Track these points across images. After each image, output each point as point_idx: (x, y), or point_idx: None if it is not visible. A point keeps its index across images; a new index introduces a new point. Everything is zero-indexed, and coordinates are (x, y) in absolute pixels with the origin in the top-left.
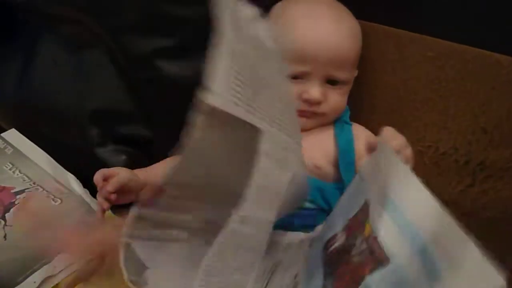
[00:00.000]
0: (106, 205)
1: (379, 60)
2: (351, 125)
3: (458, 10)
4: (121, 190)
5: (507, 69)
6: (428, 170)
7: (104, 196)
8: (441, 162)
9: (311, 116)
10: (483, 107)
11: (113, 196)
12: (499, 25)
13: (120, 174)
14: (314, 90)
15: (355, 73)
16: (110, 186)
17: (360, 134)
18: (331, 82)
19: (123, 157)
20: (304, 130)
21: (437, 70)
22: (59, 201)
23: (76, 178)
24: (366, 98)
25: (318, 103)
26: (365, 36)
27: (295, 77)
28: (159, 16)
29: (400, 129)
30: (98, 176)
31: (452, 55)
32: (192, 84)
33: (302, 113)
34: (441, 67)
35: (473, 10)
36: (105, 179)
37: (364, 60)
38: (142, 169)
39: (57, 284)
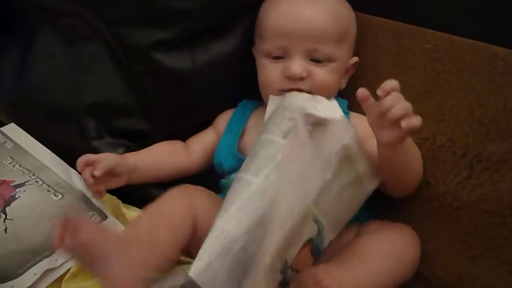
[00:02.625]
0: (101, 188)
1: (376, 53)
2: (348, 113)
3: (456, 2)
4: (109, 174)
5: (504, 61)
6: (425, 162)
7: (89, 181)
8: (438, 154)
9: None
10: (480, 99)
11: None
12: (497, 17)
13: (107, 159)
14: (294, 65)
15: (351, 57)
16: (97, 171)
17: (360, 125)
18: (315, 60)
19: (121, 150)
20: None
21: (435, 63)
22: (60, 195)
23: (77, 173)
24: None
25: (300, 78)
26: (363, 28)
27: (277, 58)
28: (157, 8)
29: None
30: (81, 160)
31: (449, 48)
32: (190, 76)
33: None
34: (438, 60)
35: (471, 2)
36: (89, 164)
37: (361, 53)
38: (133, 152)
39: (60, 277)
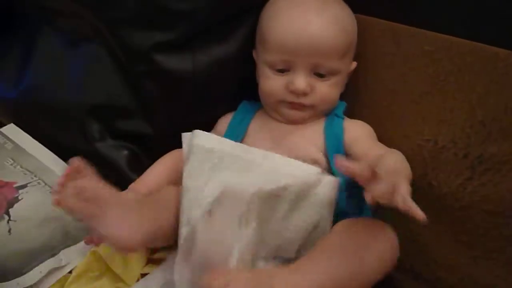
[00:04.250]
0: None
1: (376, 54)
2: (343, 118)
3: (455, 3)
4: None
5: (504, 62)
6: (427, 163)
7: None
8: (440, 155)
9: (300, 108)
10: (481, 100)
11: None
12: (497, 17)
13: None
14: (299, 81)
15: (351, 64)
16: None
17: (351, 128)
18: (319, 74)
19: (124, 152)
20: (297, 122)
21: (435, 64)
22: None
23: None
24: (364, 92)
25: (304, 94)
26: (363, 30)
27: (282, 71)
28: (158, 9)
29: (398, 123)
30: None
31: (449, 49)
32: (190, 78)
33: (291, 106)
34: (438, 61)
35: (470, 3)
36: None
37: (362, 54)
38: (140, 180)
39: (63, 278)
